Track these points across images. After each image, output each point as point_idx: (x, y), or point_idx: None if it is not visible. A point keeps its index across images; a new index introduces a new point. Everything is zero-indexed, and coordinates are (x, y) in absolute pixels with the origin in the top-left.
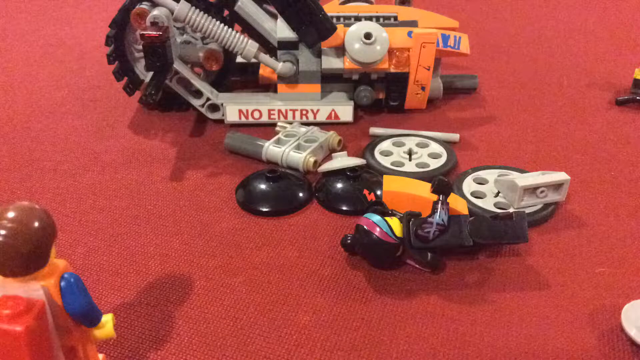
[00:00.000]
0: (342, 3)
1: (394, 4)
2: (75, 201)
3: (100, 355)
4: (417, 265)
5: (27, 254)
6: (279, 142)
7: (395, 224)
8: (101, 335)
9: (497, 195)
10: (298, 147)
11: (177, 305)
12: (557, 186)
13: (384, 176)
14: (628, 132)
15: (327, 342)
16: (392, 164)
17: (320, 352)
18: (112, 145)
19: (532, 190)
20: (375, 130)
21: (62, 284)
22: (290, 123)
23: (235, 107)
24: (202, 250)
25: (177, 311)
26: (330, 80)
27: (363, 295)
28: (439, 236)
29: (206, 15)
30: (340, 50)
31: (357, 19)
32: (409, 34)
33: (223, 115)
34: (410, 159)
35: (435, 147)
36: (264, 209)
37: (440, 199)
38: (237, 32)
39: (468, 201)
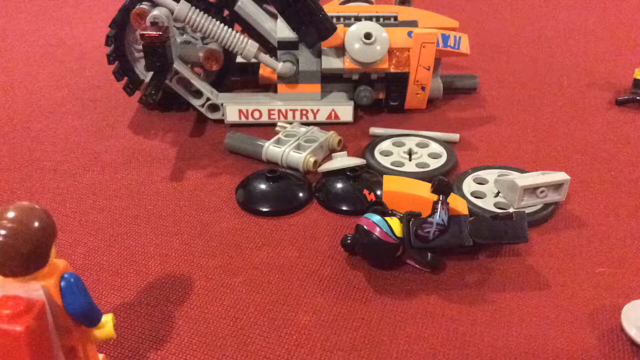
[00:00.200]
0: (342, 3)
1: (394, 4)
2: (75, 201)
3: (100, 355)
4: (417, 265)
5: (27, 254)
6: (279, 142)
7: (395, 224)
8: (101, 335)
9: (497, 195)
10: (298, 147)
11: (177, 305)
12: (557, 186)
13: (384, 176)
14: (628, 132)
15: (327, 342)
16: (392, 163)
17: (320, 352)
18: (112, 145)
19: (532, 190)
20: (375, 130)
21: (62, 284)
22: (290, 123)
23: (235, 107)
24: (202, 250)
25: (177, 311)
26: (330, 80)
27: (363, 295)
28: (439, 236)
29: (206, 15)
30: (340, 50)
31: (357, 19)
32: (409, 34)
33: (223, 115)
34: (410, 159)
35: (435, 147)
36: (264, 209)
37: (440, 199)
38: (237, 32)
39: (468, 201)
